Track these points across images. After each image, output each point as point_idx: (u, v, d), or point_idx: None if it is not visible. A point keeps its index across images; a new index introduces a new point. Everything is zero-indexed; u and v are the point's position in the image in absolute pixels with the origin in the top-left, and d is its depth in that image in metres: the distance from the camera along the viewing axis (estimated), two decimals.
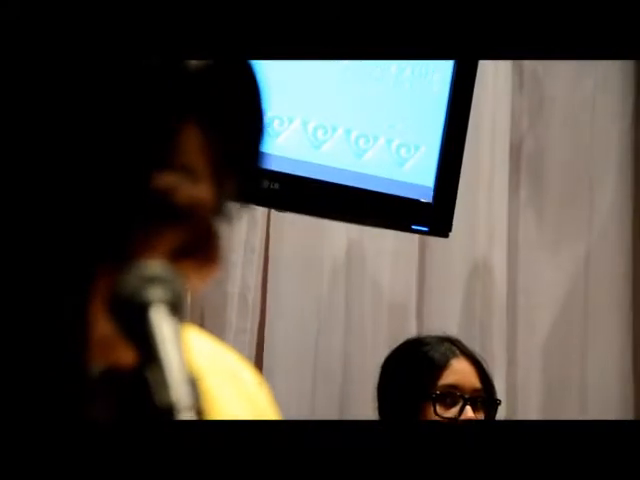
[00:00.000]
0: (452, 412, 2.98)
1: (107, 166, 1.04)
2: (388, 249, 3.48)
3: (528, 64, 4.03)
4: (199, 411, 0.92)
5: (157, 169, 1.06)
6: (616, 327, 3.89)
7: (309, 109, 3.39)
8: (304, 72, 3.46)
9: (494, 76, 3.76)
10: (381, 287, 3.54)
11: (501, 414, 3.27)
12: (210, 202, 1.10)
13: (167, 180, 1.06)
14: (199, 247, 1.08)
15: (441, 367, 2.99)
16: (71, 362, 1.05)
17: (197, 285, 1.11)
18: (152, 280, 1.00)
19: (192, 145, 1.08)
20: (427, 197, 3.27)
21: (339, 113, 3.50)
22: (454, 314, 3.56)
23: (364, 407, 3.28)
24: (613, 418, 3.89)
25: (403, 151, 3.32)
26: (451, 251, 3.49)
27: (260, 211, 3.31)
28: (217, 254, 1.09)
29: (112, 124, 1.05)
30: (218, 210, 1.11)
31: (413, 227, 3.30)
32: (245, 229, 3.32)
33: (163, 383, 0.93)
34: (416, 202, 3.26)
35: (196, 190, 1.08)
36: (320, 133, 3.33)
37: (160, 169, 1.06)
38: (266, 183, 3.15)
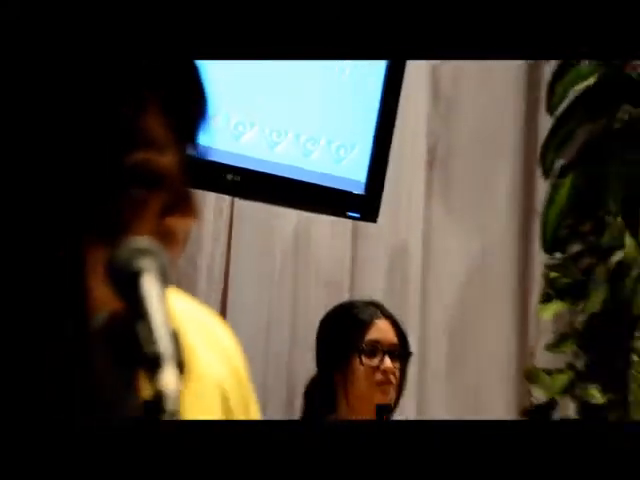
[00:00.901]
0: (374, 362, 3.25)
1: (87, 149, 1.14)
2: (327, 232, 3.71)
3: (444, 74, 3.96)
4: (180, 360, 1.02)
5: (132, 146, 1.16)
6: (507, 299, 3.97)
7: (267, 116, 3.51)
8: (263, 81, 3.51)
9: (414, 84, 3.78)
10: (320, 264, 3.74)
11: (414, 364, 3.56)
12: (176, 168, 1.20)
13: (141, 155, 1.17)
14: (178, 204, 1.19)
15: (367, 325, 3.28)
16: (74, 314, 1.16)
17: (185, 233, 1.21)
18: (142, 252, 1.08)
19: (155, 124, 1.19)
20: (359, 190, 3.50)
21: (291, 119, 3.59)
22: (379, 287, 3.75)
23: (308, 356, 3.41)
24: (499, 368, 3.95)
25: (341, 151, 3.53)
26: (378, 235, 3.72)
27: (226, 199, 3.49)
28: (193, 206, 1.19)
29: (90, 113, 1.15)
30: (183, 174, 1.20)
31: (348, 214, 3.52)
32: (212, 215, 3.54)
33: (151, 337, 1.02)
34: (350, 194, 3.49)
35: (163, 160, 1.19)
36: (275, 136, 3.49)
37: (134, 146, 1.16)
38: (230, 176, 3.34)
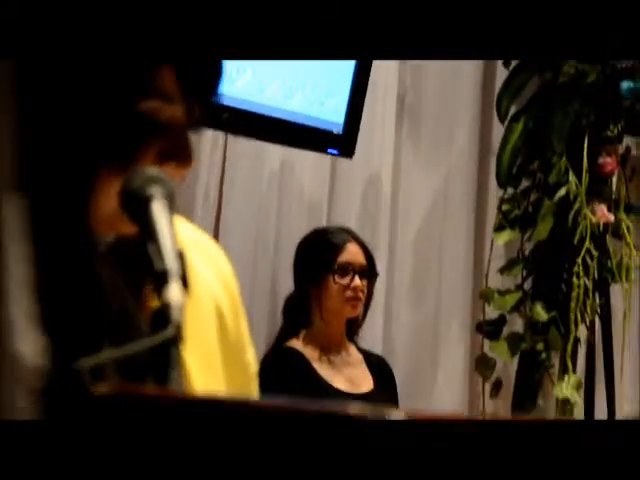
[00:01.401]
0: (345, 280, 3.43)
1: (112, 96, 1.20)
2: (309, 165, 3.87)
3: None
4: (184, 277, 1.08)
5: (145, 95, 1.21)
6: (465, 228, 4.15)
7: (258, 64, 3.53)
8: None
9: None
10: (303, 192, 3.89)
11: (382, 283, 3.80)
12: (182, 119, 1.23)
13: (151, 103, 1.21)
14: (177, 151, 1.23)
15: (339, 248, 3.45)
16: (83, 234, 1.21)
17: (177, 179, 1.22)
18: (153, 180, 1.13)
19: (169, 80, 1.23)
20: (338, 130, 3.65)
21: (279, 67, 3.66)
22: (353, 213, 3.93)
23: (289, 272, 3.60)
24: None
25: (323, 96, 3.67)
26: (353, 169, 3.88)
27: (220, 135, 3.62)
28: (190, 155, 1.24)
29: (115, 68, 1.20)
30: (188, 124, 1.25)
31: (328, 150, 3.69)
32: (209, 148, 3.69)
33: (160, 255, 1.07)
34: (330, 133, 3.65)
35: (172, 110, 1.22)
36: (265, 81, 3.60)
37: (146, 95, 1.21)
38: (225, 115, 3.38)
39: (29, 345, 0.50)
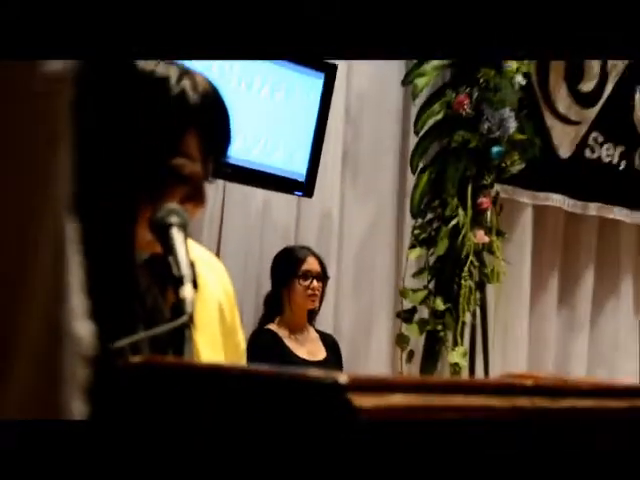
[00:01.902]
0: (307, 283, 3.44)
1: (149, 153, 1.14)
2: (282, 203, 3.81)
3: (353, 103, 3.99)
4: (194, 280, 1.05)
5: (175, 155, 1.16)
6: (389, 246, 4.05)
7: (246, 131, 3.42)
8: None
9: (333, 111, 3.75)
10: (278, 222, 3.83)
11: (332, 284, 3.74)
12: (201, 174, 1.19)
13: (180, 161, 1.16)
14: (195, 196, 1.18)
15: (302, 260, 3.48)
16: (128, 250, 1.15)
17: (193, 216, 1.18)
18: (172, 213, 1.10)
19: (192, 142, 1.17)
20: (302, 178, 3.61)
21: (260, 132, 3.55)
22: (313, 235, 3.87)
23: (268, 279, 3.58)
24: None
25: (292, 154, 3.60)
26: (312, 205, 3.82)
27: (220, 182, 3.51)
28: (204, 198, 1.19)
29: (153, 132, 1.14)
30: (205, 178, 1.20)
31: (295, 193, 3.69)
32: (212, 191, 3.22)
33: (177, 265, 1.05)
34: (296, 181, 3.62)
35: (194, 167, 1.18)
36: (251, 143, 3.49)
37: (176, 155, 1.16)
38: (227, 169, 3.47)
39: (84, 329, 0.46)
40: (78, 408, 0.47)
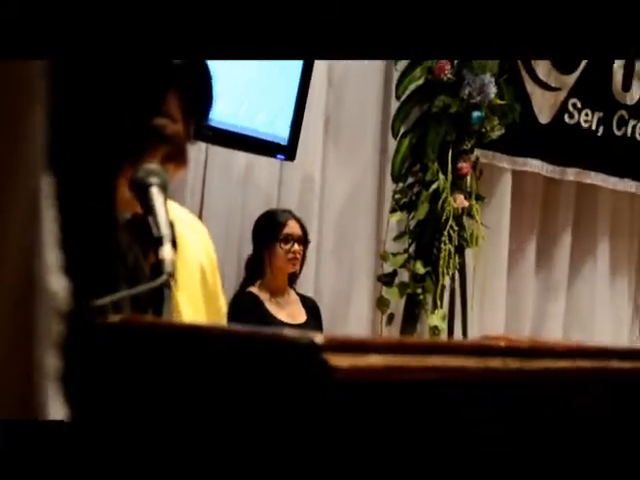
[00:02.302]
0: (288, 247, 3.43)
1: (135, 113, 1.14)
2: (265, 167, 3.80)
3: (336, 70, 3.96)
4: (173, 240, 1.06)
5: (157, 115, 1.16)
6: (370, 210, 4.02)
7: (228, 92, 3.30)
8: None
9: (316, 77, 3.76)
10: (260, 185, 3.83)
11: (313, 248, 3.72)
12: (182, 134, 1.19)
13: (161, 121, 1.17)
14: (177, 156, 1.18)
15: (283, 224, 3.45)
16: (109, 209, 1.14)
17: (175, 176, 1.19)
18: (153, 173, 1.10)
19: (174, 103, 1.18)
20: (284, 142, 3.60)
21: (245, 95, 3.53)
22: (295, 199, 3.85)
23: (249, 242, 3.56)
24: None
25: (275, 117, 3.60)
26: (294, 169, 3.81)
27: (203, 145, 3.51)
28: (186, 159, 1.20)
29: (135, 91, 1.14)
30: (186, 139, 1.20)
31: (277, 156, 3.68)
32: (195, 153, 3.27)
33: (157, 225, 1.06)
34: (279, 144, 3.61)
35: (175, 127, 1.18)
36: (235, 106, 3.47)
37: (158, 115, 1.16)
38: (209, 132, 3.42)
39: (59, 285, 0.45)
40: (52, 363, 0.45)
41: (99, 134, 1.09)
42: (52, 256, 0.43)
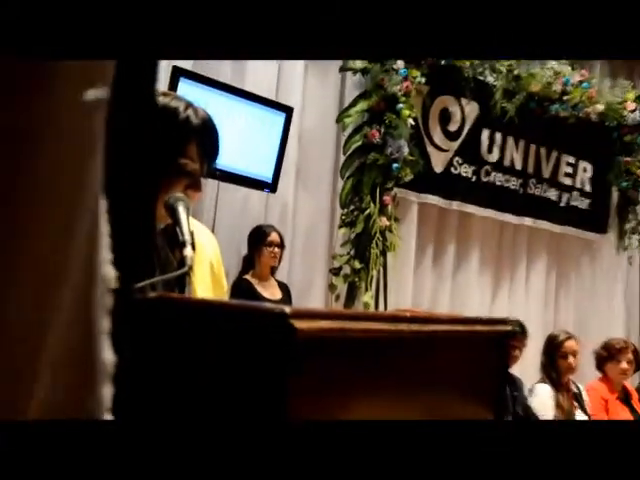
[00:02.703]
0: (271, 249, 3.34)
1: (165, 156, 1.10)
2: (256, 197, 3.71)
3: (305, 134, 3.82)
4: (193, 244, 1.03)
5: (182, 157, 1.14)
6: (325, 230, 3.88)
7: (233, 147, 3.31)
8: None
9: (291, 137, 3.64)
10: (253, 209, 3.69)
11: (287, 251, 3.61)
12: (198, 171, 1.16)
13: (184, 161, 1.14)
14: (195, 186, 1.16)
15: (268, 233, 3.39)
16: (149, 222, 1.03)
17: (194, 200, 1.17)
18: (179, 198, 1.09)
19: (193, 150, 1.16)
20: (269, 180, 3.55)
21: (243, 147, 3.38)
22: (276, 219, 3.74)
23: (246, 246, 3.47)
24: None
25: (263, 163, 3.52)
26: (275, 198, 3.71)
27: (215, 182, 3.40)
28: (201, 188, 1.17)
29: (168, 142, 1.10)
30: (201, 174, 1.17)
31: (265, 190, 3.60)
32: (210, 186, 3.43)
33: (182, 233, 1.04)
34: (266, 182, 3.55)
35: (194, 165, 1.16)
36: (236, 156, 3.34)
37: (182, 157, 1.14)
38: (217, 172, 3.11)
39: (110, 272, 0.42)
40: (106, 325, 0.42)
41: (144, 171, 1.03)
42: (106, 253, 0.41)
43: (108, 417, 0.43)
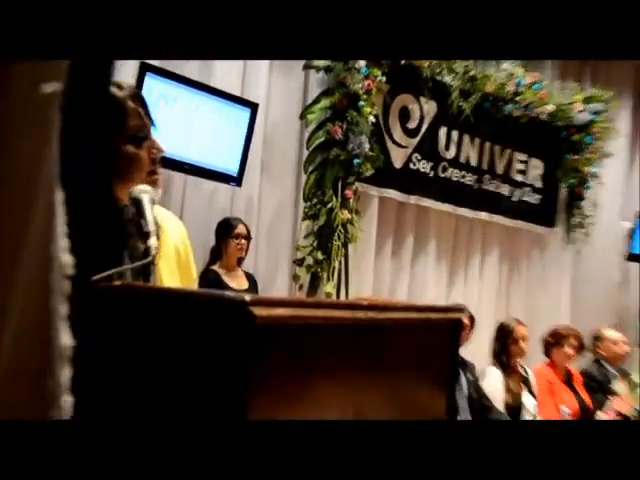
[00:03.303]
0: (237, 241, 3.31)
1: (110, 140, 1.05)
2: (223, 189, 3.64)
3: (270, 127, 3.78)
4: (158, 234, 1.05)
5: (125, 138, 1.11)
6: (289, 219, 3.86)
7: (202, 142, 3.36)
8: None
9: (257, 132, 3.62)
10: (219, 201, 3.65)
11: (254, 243, 3.56)
12: (147, 131, 1.13)
13: (128, 146, 1.10)
14: (155, 173, 1.15)
15: (235, 226, 3.37)
16: (106, 209, 1.06)
17: (158, 188, 1.13)
18: (143, 190, 1.07)
19: (133, 118, 1.11)
20: (235, 174, 3.52)
21: (211, 143, 3.36)
22: (242, 211, 3.69)
23: (213, 237, 3.43)
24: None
25: (230, 157, 3.48)
26: (241, 191, 3.67)
27: (182, 175, 3.41)
28: (160, 178, 1.15)
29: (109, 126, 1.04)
30: (149, 133, 1.14)
31: (231, 183, 3.56)
32: (177, 179, 3.45)
33: (146, 224, 1.03)
34: (232, 176, 3.53)
35: (136, 150, 1.12)
36: (204, 150, 3.32)
37: (126, 137, 1.08)
38: (186, 166, 3.26)
39: (67, 259, 0.40)
40: (63, 310, 0.42)
41: (94, 160, 1.02)
42: (62, 241, 0.41)
43: (68, 398, 0.42)
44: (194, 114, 3.23)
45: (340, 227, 3.67)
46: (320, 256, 3.70)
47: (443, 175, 4.34)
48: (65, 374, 0.42)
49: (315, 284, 3.73)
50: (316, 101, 3.60)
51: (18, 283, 0.36)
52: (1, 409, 0.39)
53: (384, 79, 3.69)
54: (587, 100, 4.49)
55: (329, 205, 3.69)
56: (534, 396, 3.30)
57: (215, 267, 3.44)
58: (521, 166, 4.59)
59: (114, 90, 1.11)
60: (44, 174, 0.36)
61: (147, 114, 1.16)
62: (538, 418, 3.21)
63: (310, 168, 3.77)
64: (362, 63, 3.58)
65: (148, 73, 3.09)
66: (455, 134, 4.28)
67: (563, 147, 4.56)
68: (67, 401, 0.42)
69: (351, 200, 3.77)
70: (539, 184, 4.71)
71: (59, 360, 0.40)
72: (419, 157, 4.21)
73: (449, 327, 1.19)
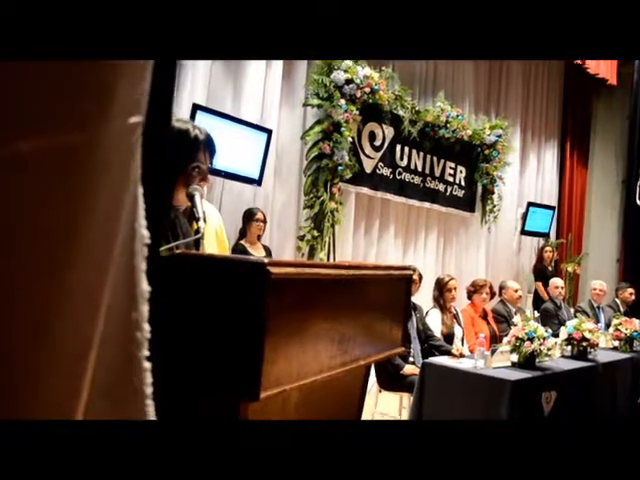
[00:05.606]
0: (258, 224, 3.20)
1: (181, 160, 1.04)
2: (247, 189, 3.51)
3: (280, 145, 3.67)
4: (204, 219, 1.03)
5: (195, 161, 1.05)
6: (294, 215, 3.77)
7: (232, 156, 3.26)
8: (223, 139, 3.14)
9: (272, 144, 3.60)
10: (245, 197, 3.52)
11: (269, 226, 3.45)
12: (207, 168, 1.11)
13: (198, 164, 1.09)
14: (205, 179, 1.10)
15: (256, 214, 3.26)
16: (166, 204, 0.95)
17: (204, 189, 1.09)
18: (195, 189, 1.04)
19: (202, 154, 1.10)
20: (257, 177, 3.43)
21: (240, 157, 3.26)
22: (261, 203, 3.54)
23: (240, 223, 3.44)
24: None
25: (252, 164, 3.38)
26: (261, 190, 3.55)
27: (219, 178, 3.29)
28: (208, 180, 1.11)
29: (183, 151, 1.03)
30: (208, 170, 1.12)
31: (254, 184, 3.46)
32: (216, 181, 3.33)
33: (197, 211, 1.00)
34: (254, 179, 3.44)
35: (204, 166, 1.11)
36: (231, 157, 3.24)
37: (196, 161, 1.07)
38: (223, 172, 3.18)
39: (145, 232, 0.34)
40: (144, 266, 0.37)
41: (165, 170, 0.97)
42: (142, 221, 0.37)
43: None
44: (229, 137, 3.22)
45: (329, 214, 3.62)
46: (315, 234, 3.67)
47: (399, 177, 4.34)
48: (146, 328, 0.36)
49: (312, 253, 3.70)
50: (312, 127, 3.59)
51: (115, 249, 0.33)
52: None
53: (358, 112, 3.72)
54: (492, 127, 4.66)
55: (321, 198, 3.64)
56: (461, 327, 3.37)
57: (242, 242, 3.39)
58: (451, 171, 4.67)
59: (196, 132, 1.10)
60: (132, 177, 0.34)
61: (211, 156, 1.15)
62: (465, 342, 3.25)
63: (308, 173, 3.72)
64: (342, 101, 3.55)
65: (198, 111, 3.11)
66: (407, 149, 4.30)
67: (479, 158, 4.74)
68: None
69: (336, 195, 3.72)
70: (463, 183, 4.80)
71: (140, 299, 0.35)
72: (382, 165, 4.20)
73: (404, 281, 1.20)
